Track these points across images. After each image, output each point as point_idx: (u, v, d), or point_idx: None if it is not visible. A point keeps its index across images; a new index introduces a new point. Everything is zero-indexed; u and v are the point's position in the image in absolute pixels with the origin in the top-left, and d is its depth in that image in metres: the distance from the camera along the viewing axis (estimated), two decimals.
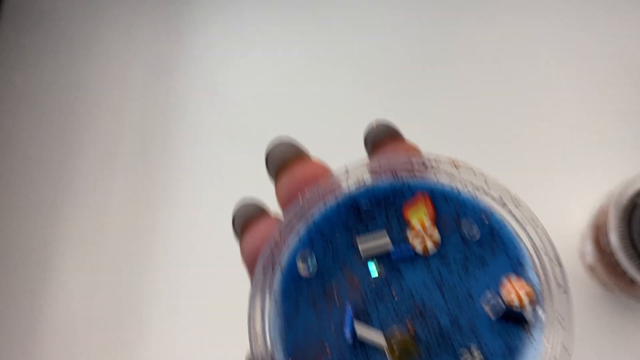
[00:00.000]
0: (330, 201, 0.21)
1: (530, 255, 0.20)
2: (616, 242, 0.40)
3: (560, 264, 0.20)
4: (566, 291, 0.19)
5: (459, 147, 0.49)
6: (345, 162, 0.21)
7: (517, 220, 0.20)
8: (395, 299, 0.20)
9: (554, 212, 0.48)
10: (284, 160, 0.22)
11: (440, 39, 0.54)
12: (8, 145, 0.52)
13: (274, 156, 0.23)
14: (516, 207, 0.20)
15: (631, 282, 0.40)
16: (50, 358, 0.46)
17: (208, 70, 0.54)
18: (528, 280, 0.20)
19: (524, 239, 0.20)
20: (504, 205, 0.20)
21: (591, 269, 0.44)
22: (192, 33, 0.55)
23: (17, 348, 0.47)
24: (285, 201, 0.22)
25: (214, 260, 0.48)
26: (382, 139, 0.22)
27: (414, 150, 0.22)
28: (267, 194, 0.52)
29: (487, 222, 0.20)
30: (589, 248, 0.44)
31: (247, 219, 0.22)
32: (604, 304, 0.45)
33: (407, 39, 0.54)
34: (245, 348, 0.48)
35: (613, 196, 0.41)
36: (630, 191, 0.41)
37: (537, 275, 0.20)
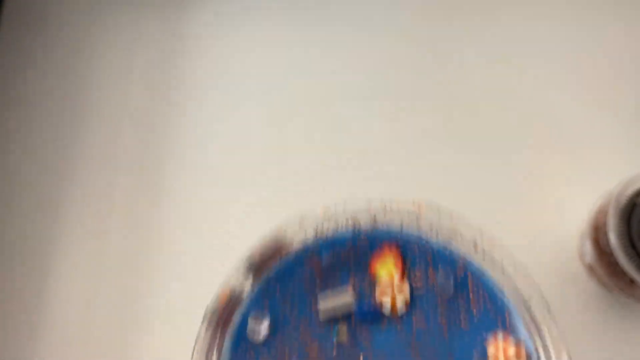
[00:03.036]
0: (287, 255, 0.17)
1: (517, 306, 0.17)
2: (615, 242, 0.40)
3: (549, 310, 0.16)
4: (554, 320, 0.16)
5: (456, 149, 0.49)
6: (300, 211, 0.17)
7: (499, 268, 0.17)
8: None
9: (553, 212, 0.48)
10: None
11: (441, 40, 0.54)
12: (8, 146, 0.52)
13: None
14: (495, 251, 0.16)
15: (630, 282, 0.40)
16: (50, 358, 0.46)
17: (209, 71, 0.54)
18: (517, 337, 0.17)
19: (508, 289, 0.17)
20: (481, 250, 0.17)
21: (590, 269, 0.44)
22: (193, 34, 0.55)
23: (17, 348, 0.47)
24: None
25: (217, 261, 0.48)
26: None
27: None
28: (270, 194, 0.52)
29: (464, 273, 0.17)
30: (588, 248, 0.44)
31: None
32: (603, 304, 0.45)
33: (409, 37, 0.54)
34: None
35: (612, 196, 0.41)
36: (630, 191, 0.41)
37: (528, 329, 0.17)
